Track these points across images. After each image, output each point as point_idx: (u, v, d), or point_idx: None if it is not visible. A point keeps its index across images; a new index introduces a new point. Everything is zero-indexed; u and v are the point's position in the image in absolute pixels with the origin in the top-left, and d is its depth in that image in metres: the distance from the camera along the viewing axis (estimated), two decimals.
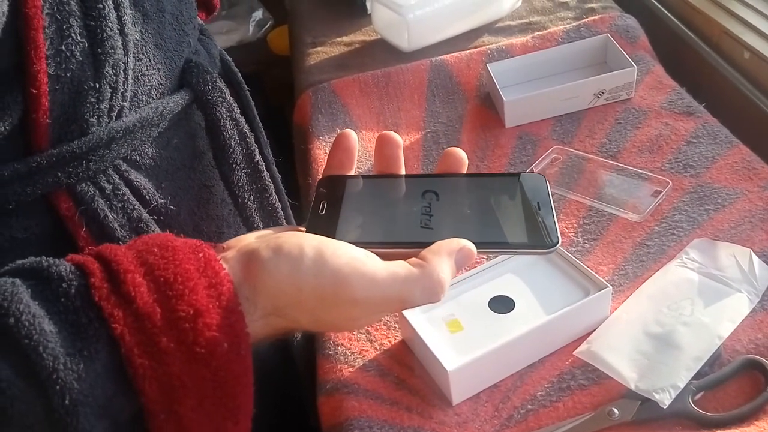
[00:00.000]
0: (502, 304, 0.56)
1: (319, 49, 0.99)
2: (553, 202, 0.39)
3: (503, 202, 0.40)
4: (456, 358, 0.52)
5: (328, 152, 0.81)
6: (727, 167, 0.68)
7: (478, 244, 0.37)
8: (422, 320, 0.55)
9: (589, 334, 0.55)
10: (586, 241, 0.64)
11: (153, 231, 0.42)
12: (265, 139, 0.56)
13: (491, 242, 0.38)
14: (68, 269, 0.31)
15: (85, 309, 0.30)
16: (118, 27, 0.37)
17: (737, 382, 0.50)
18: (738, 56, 0.82)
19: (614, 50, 0.83)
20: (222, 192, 0.49)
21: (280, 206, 0.52)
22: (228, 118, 0.47)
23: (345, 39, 1.00)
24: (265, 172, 0.50)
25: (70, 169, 0.37)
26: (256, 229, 0.50)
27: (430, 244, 0.36)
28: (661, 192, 0.67)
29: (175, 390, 0.30)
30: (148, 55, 0.42)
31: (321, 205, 0.40)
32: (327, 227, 0.38)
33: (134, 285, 0.31)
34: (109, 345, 0.30)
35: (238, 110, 0.48)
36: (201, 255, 0.33)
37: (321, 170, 0.77)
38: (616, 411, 0.49)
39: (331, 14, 1.05)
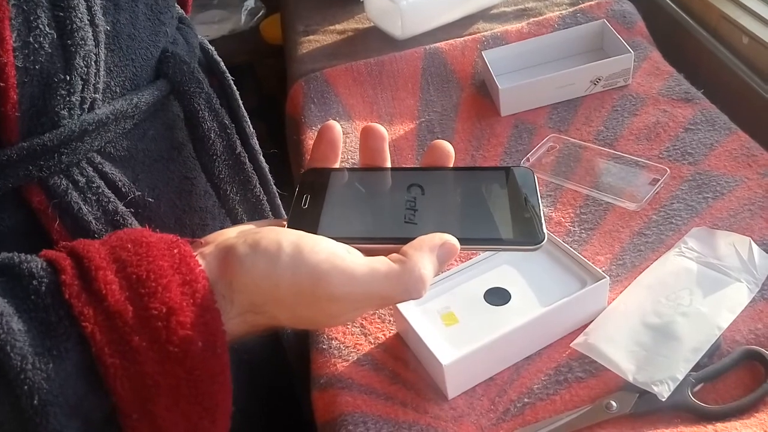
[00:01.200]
0: (497, 296, 0.55)
1: (311, 37, 0.97)
2: (541, 197, 0.38)
3: (490, 197, 0.39)
4: (451, 351, 0.51)
5: None
6: (726, 154, 0.67)
7: (462, 240, 0.36)
8: (417, 313, 0.54)
9: (586, 325, 0.54)
10: (583, 231, 0.63)
11: (131, 224, 0.41)
12: (251, 129, 0.55)
13: (475, 238, 0.37)
14: (39, 266, 0.30)
15: (55, 307, 0.30)
16: (89, 17, 0.36)
17: (737, 373, 0.49)
18: (737, 41, 0.80)
19: (611, 36, 0.81)
20: (204, 184, 0.48)
21: (265, 198, 0.51)
22: (207, 109, 0.46)
23: (338, 27, 0.99)
24: (248, 163, 0.49)
25: (42, 163, 0.37)
26: (240, 221, 0.49)
27: (413, 239, 0.36)
28: (659, 180, 0.66)
29: (148, 389, 0.30)
30: (121, 46, 0.41)
31: (304, 198, 0.39)
32: (309, 222, 0.37)
33: (105, 282, 0.30)
34: (80, 344, 0.29)
35: (218, 101, 0.47)
36: (176, 251, 0.32)
37: None
38: (614, 404, 0.48)
39: (324, 2, 1.04)
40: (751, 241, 0.57)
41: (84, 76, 0.37)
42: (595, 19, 0.86)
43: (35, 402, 0.28)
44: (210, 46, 0.54)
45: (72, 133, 0.37)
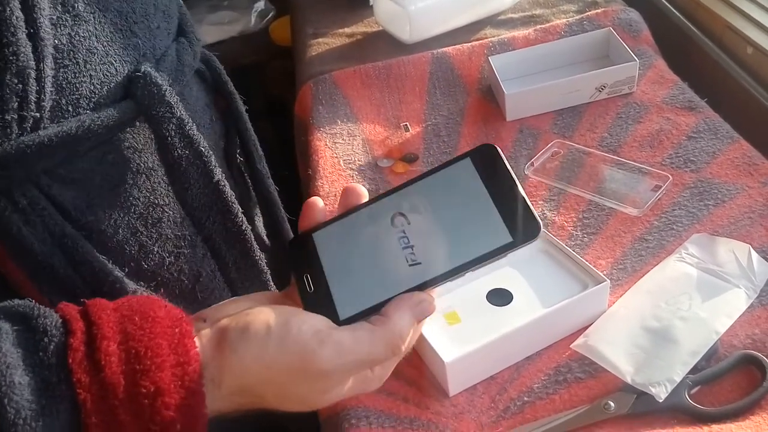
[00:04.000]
0: (500, 297, 0.56)
1: (320, 40, 0.99)
2: (513, 172, 0.36)
3: (469, 199, 0.37)
4: (453, 349, 0.52)
5: (329, 144, 0.82)
6: (728, 163, 0.68)
7: (466, 265, 0.35)
8: None
9: (586, 327, 0.55)
10: (585, 235, 0.64)
11: (81, 247, 0.40)
12: (260, 152, 0.53)
13: (478, 257, 0.35)
14: (53, 323, 0.32)
15: (58, 368, 0.31)
16: (28, 31, 0.34)
17: (733, 377, 0.50)
18: (741, 51, 0.81)
19: (617, 44, 0.82)
20: (179, 210, 0.46)
21: (248, 228, 0.49)
22: (178, 135, 0.43)
23: (347, 30, 1.00)
24: (228, 192, 0.47)
25: None
26: (219, 251, 0.48)
27: (428, 281, 0.36)
28: (661, 187, 0.67)
29: None
30: (78, 62, 0.38)
31: (305, 281, 0.38)
32: (326, 307, 0.37)
33: (107, 354, 0.32)
34: (72, 407, 0.31)
35: (194, 126, 0.44)
36: (177, 330, 0.33)
37: (322, 162, 0.78)
38: (612, 404, 0.49)
39: (333, 5, 1.05)
40: (751, 248, 0.58)
41: (20, 94, 0.35)
42: (602, 27, 0.87)
43: None
44: (219, 65, 0.52)
45: (7, 154, 0.35)
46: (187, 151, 0.44)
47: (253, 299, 0.39)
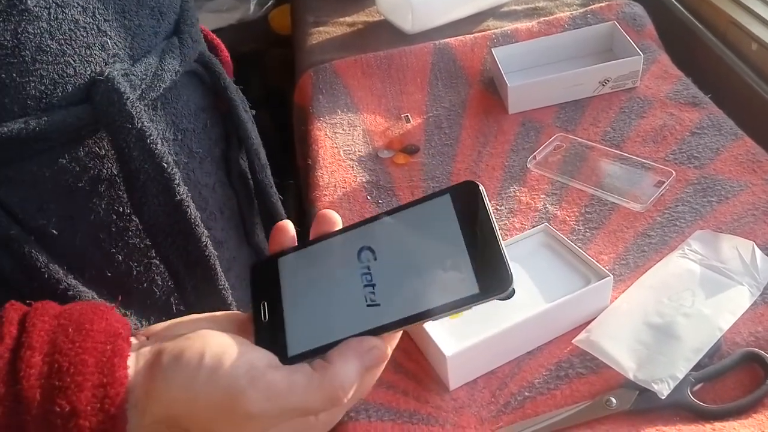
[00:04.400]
0: None
1: (321, 28, 0.98)
2: (495, 219, 0.34)
3: (442, 241, 0.34)
4: (454, 343, 0.51)
5: (329, 134, 0.81)
6: (732, 159, 0.68)
7: (427, 312, 0.33)
8: None
9: (588, 322, 0.54)
10: (588, 230, 0.63)
11: (29, 251, 0.38)
12: (264, 161, 0.51)
13: (441, 305, 0.33)
14: None
15: None
16: None
17: (736, 374, 0.50)
18: (745, 47, 0.81)
19: (621, 38, 0.82)
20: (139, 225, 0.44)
21: (213, 255, 0.46)
22: (137, 148, 0.40)
23: (348, 19, 0.99)
24: (192, 214, 0.43)
25: None
26: (176, 274, 0.46)
27: (383, 326, 0.33)
28: (664, 182, 0.66)
29: None
30: (24, 60, 0.36)
31: (262, 309, 0.36)
32: (276, 341, 0.34)
33: (28, 365, 0.30)
34: None
35: (158, 139, 0.41)
36: (109, 347, 0.31)
37: (321, 152, 0.77)
38: (614, 400, 0.48)
39: None
40: (754, 245, 0.57)
41: None
42: (605, 21, 0.86)
43: None
44: (219, 69, 0.49)
45: None
46: (146, 165, 0.41)
47: (213, 320, 0.36)
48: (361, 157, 0.76)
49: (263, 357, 0.33)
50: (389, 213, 0.36)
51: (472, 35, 0.89)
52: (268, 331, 0.35)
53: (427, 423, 0.49)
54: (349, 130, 0.79)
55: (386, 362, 0.34)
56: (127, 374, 0.31)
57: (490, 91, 0.83)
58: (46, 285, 0.39)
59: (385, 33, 0.94)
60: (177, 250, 0.44)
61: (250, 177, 0.54)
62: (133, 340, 0.33)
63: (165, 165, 0.41)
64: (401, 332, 0.35)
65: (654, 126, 0.73)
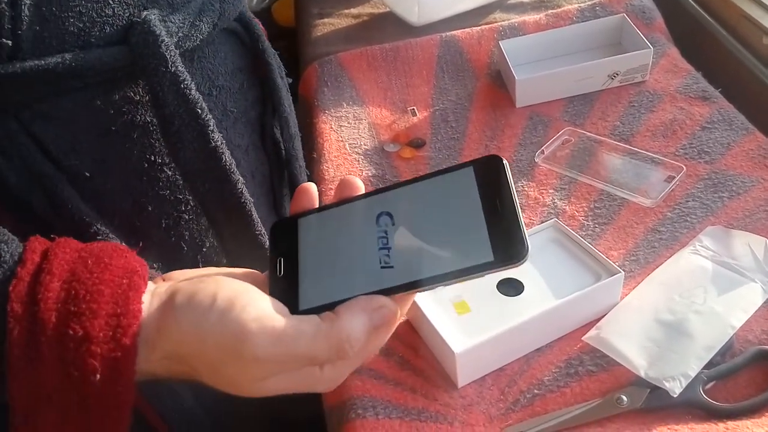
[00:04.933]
0: (510, 287, 0.55)
1: (326, 20, 0.96)
2: (516, 194, 0.34)
3: (461, 210, 0.35)
4: (463, 340, 0.50)
5: (334, 127, 0.80)
6: (743, 154, 0.67)
7: (440, 277, 0.33)
8: (429, 300, 0.54)
9: (598, 319, 0.53)
10: (597, 226, 0.63)
11: (61, 190, 0.39)
12: (292, 131, 0.50)
13: (452, 271, 0.33)
14: (11, 252, 0.32)
15: None
16: None
17: (749, 372, 0.49)
18: (756, 41, 0.80)
19: (630, 31, 0.81)
20: (175, 171, 0.44)
21: (249, 202, 0.47)
22: (171, 92, 0.41)
23: (353, 11, 0.98)
24: (227, 160, 0.44)
25: None
26: (215, 220, 0.46)
27: (395, 287, 0.34)
28: (674, 177, 0.65)
29: (40, 401, 0.30)
30: None
31: (278, 264, 0.37)
32: (288, 293, 0.35)
33: (47, 290, 0.31)
34: (1, 334, 0.30)
35: (192, 85, 0.42)
36: (126, 281, 0.32)
37: (327, 145, 0.76)
38: (624, 398, 0.48)
39: None
40: (767, 241, 0.56)
41: None
42: (614, 13, 0.85)
43: None
44: (259, 31, 0.49)
45: None
46: (180, 110, 0.42)
47: (230, 273, 0.37)
48: (367, 150, 0.75)
49: (275, 306, 0.33)
50: (411, 181, 0.37)
51: (479, 27, 0.88)
52: (282, 285, 0.36)
53: (435, 420, 0.49)
54: (355, 124, 0.79)
55: (395, 326, 0.35)
56: (141, 309, 0.32)
57: (498, 84, 0.82)
58: (76, 226, 0.40)
59: (391, 25, 0.93)
60: (214, 196, 0.45)
61: (282, 146, 0.54)
62: (150, 283, 0.34)
63: (199, 111, 0.42)
64: (413, 297, 0.36)
65: (664, 120, 0.72)
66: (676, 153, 0.69)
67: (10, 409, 0.31)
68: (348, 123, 0.79)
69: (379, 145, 0.76)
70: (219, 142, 0.44)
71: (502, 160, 0.35)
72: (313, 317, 0.33)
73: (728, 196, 0.63)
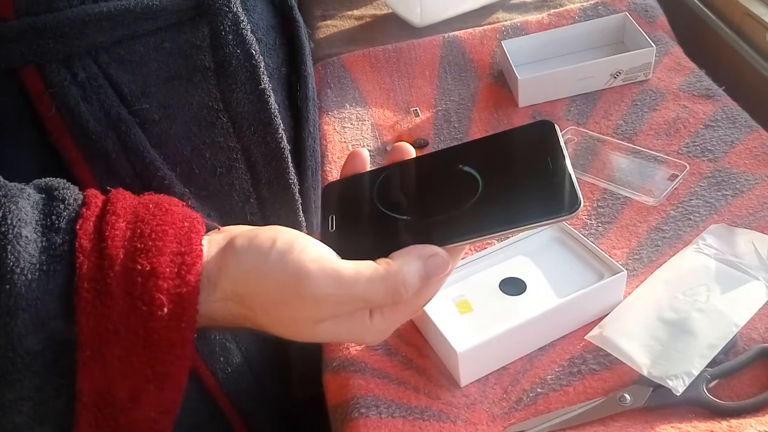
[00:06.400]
0: (513, 286, 0.55)
1: (329, 22, 0.97)
2: (567, 151, 0.38)
3: (516, 167, 0.38)
4: (466, 339, 0.51)
5: (337, 128, 0.80)
6: (747, 152, 0.67)
7: (497, 226, 0.36)
8: (432, 300, 0.54)
9: (601, 318, 0.53)
10: (600, 224, 0.63)
11: (134, 134, 0.41)
12: (309, 94, 0.52)
13: (508, 221, 0.36)
14: (74, 196, 0.33)
15: (65, 233, 0.32)
16: None
17: (752, 370, 0.49)
18: (760, 39, 0.79)
19: (632, 29, 0.81)
20: (229, 118, 0.46)
21: (287, 148, 0.49)
22: (231, 32, 0.43)
23: (356, 13, 0.98)
24: (272, 104, 0.46)
25: (36, 47, 0.36)
26: (254, 165, 0.48)
27: (447, 238, 0.36)
28: (677, 176, 0.65)
29: (108, 334, 0.31)
30: None
31: (330, 220, 0.39)
32: (341, 246, 0.36)
33: (113, 228, 0.32)
34: (69, 271, 0.31)
35: (248, 26, 0.44)
36: (186, 224, 0.34)
37: (330, 146, 0.77)
38: (627, 397, 0.48)
39: None
40: None
41: None
42: (617, 12, 0.85)
43: (10, 302, 0.30)
44: None
45: (68, 21, 0.37)
46: (238, 50, 0.44)
47: (292, 233, 0.38)
48: (370, 151, 0.75)
49: (331, 251, 0.35)
50: (466, 144, 0.40)
51: (482, 28, 0.88)
52: (334, 238, 0.38)
53: (438, 419, 0.49)
54: (358, 125, 0.79)
55: (447, 277, 0.37)
56: (202, 249, 0.33)
57: (500, 84, 0.82)
58: (145, 172, 0.42)
59: (394, 26, 0.94)
60: (257, 140, 0.47)
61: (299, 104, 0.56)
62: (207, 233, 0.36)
63: (253, 52, 0.44)
64: (464, 250, 0.38)
65: (667, 119, 0.72)
66: (680, 151, 0.68)
67: (78, 344, 0.31)
68: (351, 124, 0.79)
69: (382, 146, 0.76)
70: (267, 85, 0.46)
71: (553, 124, 0.38)
72: (370, 261, 0.34)
73: (732, 194, 0.63)
